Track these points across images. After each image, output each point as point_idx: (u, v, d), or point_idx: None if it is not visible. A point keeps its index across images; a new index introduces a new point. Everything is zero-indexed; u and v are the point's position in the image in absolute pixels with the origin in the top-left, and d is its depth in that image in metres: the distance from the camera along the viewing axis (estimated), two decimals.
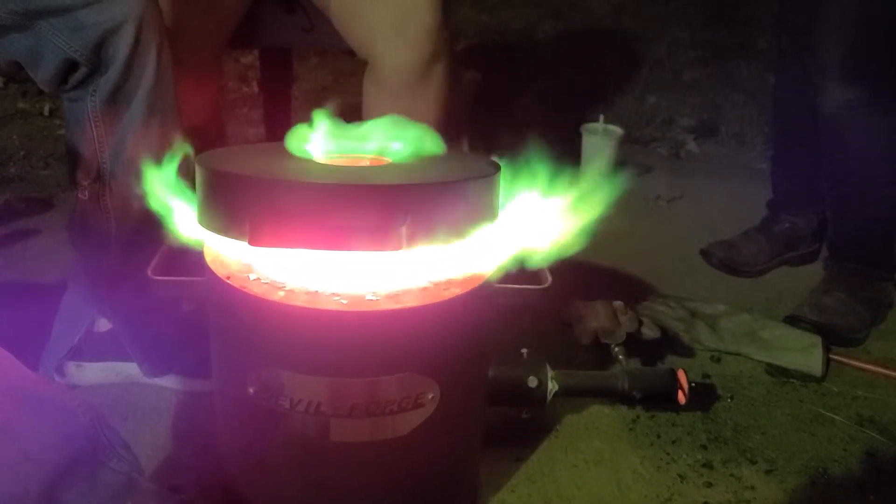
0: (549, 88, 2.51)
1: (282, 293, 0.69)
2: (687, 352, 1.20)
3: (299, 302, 0.68)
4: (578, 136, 1.83)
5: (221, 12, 1.16)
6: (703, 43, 2.91)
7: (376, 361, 0.70)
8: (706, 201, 1.83)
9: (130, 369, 1.06)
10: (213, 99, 1.29)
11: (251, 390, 0.73)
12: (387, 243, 0.61)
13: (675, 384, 0.95)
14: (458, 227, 0.69)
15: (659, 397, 0.96)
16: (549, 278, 0.78)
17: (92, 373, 1.06)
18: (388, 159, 0.78)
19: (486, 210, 0.73)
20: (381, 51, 1.12)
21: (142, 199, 0.78)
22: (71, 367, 1.06)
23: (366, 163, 0.78)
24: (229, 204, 0.69)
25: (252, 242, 0.61)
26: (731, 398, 1.11)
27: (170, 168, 0.78)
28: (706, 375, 1.16)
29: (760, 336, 1.21)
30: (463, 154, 0.82)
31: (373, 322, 0.68)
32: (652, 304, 1.26)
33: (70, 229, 0.99)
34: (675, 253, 1.56)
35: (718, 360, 1.20)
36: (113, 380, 1.07)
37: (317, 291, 0.69)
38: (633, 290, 1.36)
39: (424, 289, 0.71)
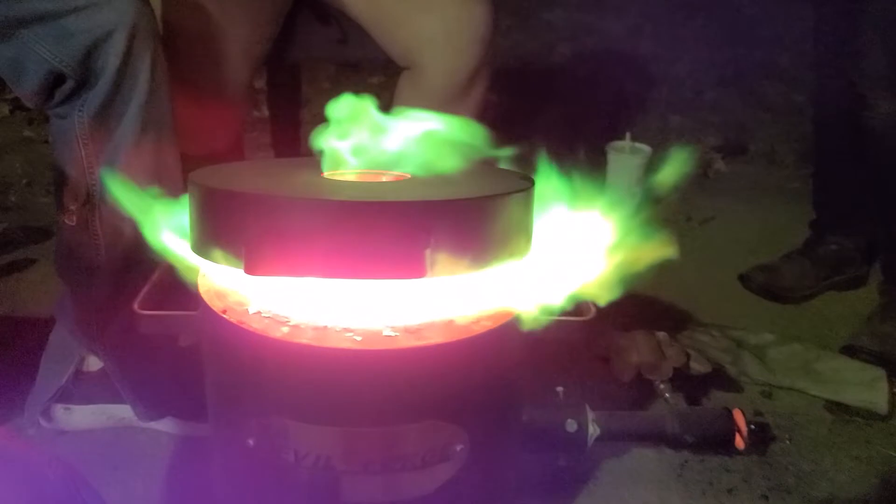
0: (569, 110, 2.42)
1: (285, 329, 0.59)
2: (734, 386, 1.09)
3: (305, 339, 0.58)
4: (602, 157, 1.73)
5: (263, 28, 1.09)
6: (724, 62, 2.83)
7: (396, 408, 0.60)
8: (740, 222, 1.73)
9: (123, 412, 0.96)
10: (240, 123, 1.22)
11: (251, 441, 0.63)
12: (409, 269, 0.51)
13: (732, 426, 0.85)
14: (490, 250, 0.59)
15: (713, 441, 0.85)
16: (593, 309, 0.68)
17: (81, 416, 0.96)
18: (407, 174, 0.68)
19: (520, 230, 0.63)
20: (429, 58, 1.09)
21: (134, 224, 0.69)
22: (58, 411, 0.96)
23: (382, 178, 0.69)
24: (223, 226, 0.59)
25: (248, 271, 0.52)
26: (790, 439, 1.00)
27: (164, 191, 0.69)
28: (758, 413, 1.05)
29: (815, 368, 1.10)
30: (490, 169, 0.72)
31: (391, 362, 0.58)
32: (692, 333, 1.15)
33: (56, 259, 0.91)
34: (712, 277, 1.45)
35: (770, 396, 1.09)
36: (104, 424, 0.97)
37: (326, 327, 0.60)
38: (669, 319, 1.25)
39: (450, 322, 0.61)
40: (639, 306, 1.32)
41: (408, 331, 0.60)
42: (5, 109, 2.32)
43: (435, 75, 1.10)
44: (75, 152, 0.81)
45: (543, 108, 2.40)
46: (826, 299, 1.40)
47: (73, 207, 0.84)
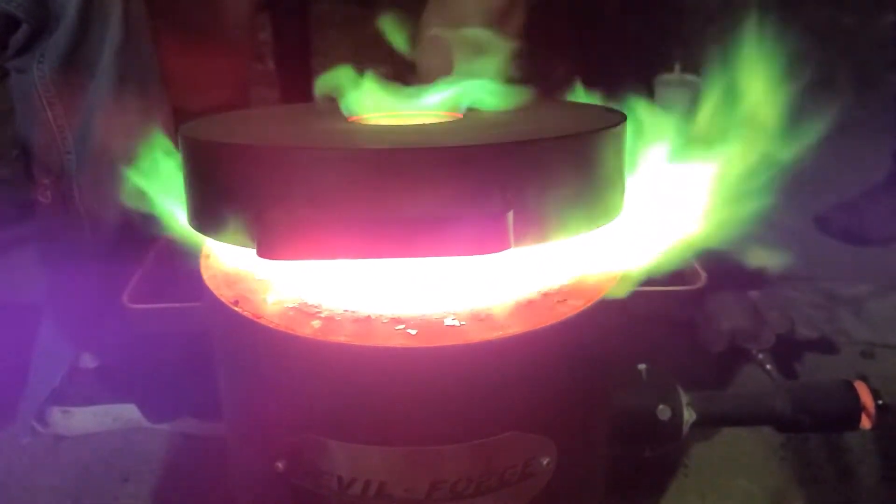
0: (614, 38, 2.22)
1: (316, 323, 0.45)
2: (828, 347, 0.95)
3: (343, 336, 0.44)
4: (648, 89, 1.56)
5: None
6: None
7: (465, 420, 0.46)
8: (810, 154, 1.55)
9: (130, 412, 0.83)
10: (243, 72, 1.07)
11: (280, 465, 0.49)
12: (486, 241, 0.37)
13: (857, 402, 0.70)
14: (588, 206, 0.44)
15: (834, 421, 0.71)
16: (703, 275, 0.53)
17: (82, 419, 0.84)
18: (463, 111, 0.53)
19: (617, 180, 0.48)
20: None
21: (121, 198, 0.55)
22: (55, 414, 0.83)
23: (434, 119, 0.54)
24: (226, 192, 0.45)
25: (263, 254, 0.37)
26: None
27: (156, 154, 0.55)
28: (861, 377, 0.90)
29: None
30: (557, 102, 0.57)
31: (457, 361, 0.44)
32: (775, 289, 1.00)
33: (36, 241, 0.77)
34: (784, 221, 1.29)
35: (872, 356, 0.94)
36: (109, 426, 0.84)
37: (369, 317, 0.45)
38: (743, 272, 1.10)
39: (529, 303, 0.47)
40: (707, 259, 1.17)
41: (476, 318, 0.45)
42: None
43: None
44: (39, 114, 0.66)
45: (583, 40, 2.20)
46: None
47: (46, 181, 0.70)
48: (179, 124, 0.76)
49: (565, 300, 0.47)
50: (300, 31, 1.59)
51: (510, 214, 0.37)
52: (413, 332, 0.44)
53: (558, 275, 0.48)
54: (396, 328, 0.44)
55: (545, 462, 0.49)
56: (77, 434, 0.84)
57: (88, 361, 0.82)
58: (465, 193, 0.39)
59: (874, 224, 1.21)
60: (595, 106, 0.56)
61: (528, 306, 0.46)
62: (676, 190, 0.53)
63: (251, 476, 0.54)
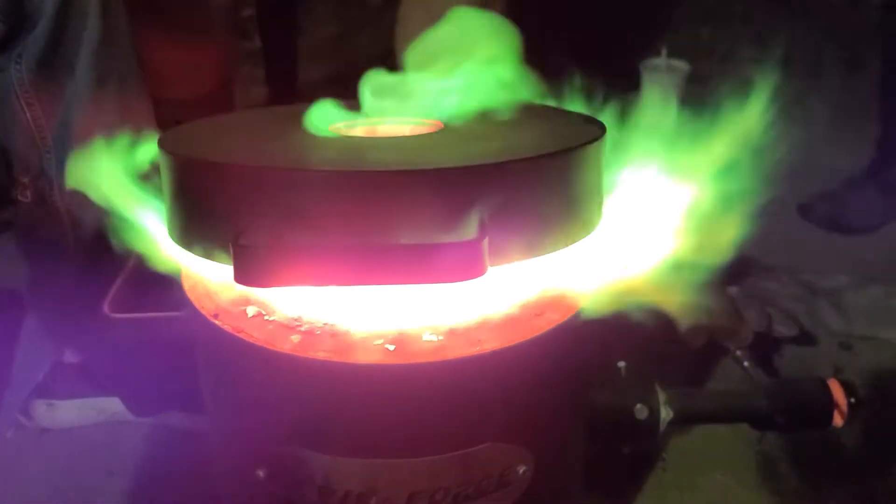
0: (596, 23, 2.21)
1: (295, 338, 0.45)
2: (809, 340, 0.96)
3: (322, 353, 0.44)
4: (630, 78, 1.56)
5: None
6: None
7: (443, 433, 0.46)
8: (791, 144, 1.56)
9: (114, 405, 0.84)
10: (225, 57, 1.06)
11: (261, 473, 0.50)
12: (462, 269, 0.37)
13: (830, 401, 0.71)
14: (566, 223, 0.45)
15: (807, 420, 0.72)
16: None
17: (67, 412, 0.84)
18: (437, 121, 0.53)
19: (594, 194, 0.48)
20: None
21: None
22: (40, 408, 0.84)
23: (415, 127, 0.54)
24: (202, 209, 0.45)
25: (240, 280, 0.38)
26: (881, 400, 0.87)
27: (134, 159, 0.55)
28: (838, 370, 0.92)
29: None
30: (537, 110, 0.57)
31: (436, 378, 0.44)
32: (757, 281, 1.01)
33: (18, 239, 0.77)
34: (766, 209, 1.30)
35: (849, 348, 0.96)
36: (94, 419, 0.85)
37: (348, 332, 0.46)
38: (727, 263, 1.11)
39: (507, 317, 0.47)
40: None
41: (454, 333, 0.46)
42: None
43: None
44: (19, 114, 0.66)
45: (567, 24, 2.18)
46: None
47: (25, 181, 0.70)
48: (163, 114, 0.76)
49: (542, 314, 0.48)
50: (286, 7, 1.57)
51: (485, 242, 0.37)
52: (391, 347, 0.45)
53: (535, 289, 0.49)
54: (375, 343, 0.45)
55: (521, 471, 0.50)
56: (62, 427, 0.84)
57: (72, 356, 0.82)
58: (441, 217, 0.39)
59: (856, 213, 1.22)
60: (576, 115, 0.56)
61: (505, 320, 0.47)
62: (656, 199, 0.54)
63: (234, 480, 0.55)
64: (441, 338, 0.45)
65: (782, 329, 0.83)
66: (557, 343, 0.47)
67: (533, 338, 0.46)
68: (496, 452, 0.48)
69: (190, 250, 0.47)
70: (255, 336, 0.46)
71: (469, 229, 0.39)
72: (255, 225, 0.40)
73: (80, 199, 0.68)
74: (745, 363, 0.76)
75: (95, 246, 0.71)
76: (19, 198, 0.71)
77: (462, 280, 0.37)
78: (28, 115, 0.66)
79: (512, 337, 0.46)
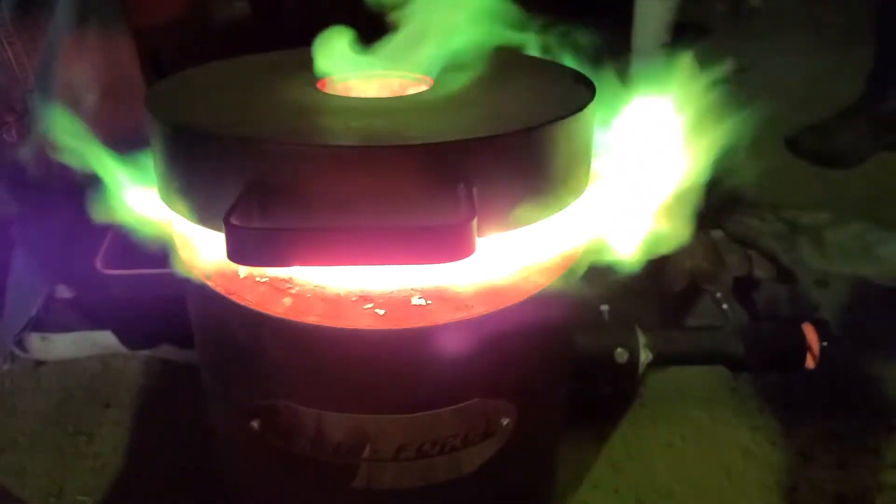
0: None
1: (287, 301, 0.47)
2: (786, 277, 0.98)
3: (313, 317, 0.45)
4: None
5: None
6: None
7: (431, 392, 0.48)
8: (782, 72, 1.55)
9: (109, 339, 0.85)
10: None
11: (255, 424, 0.52)
12: (451, 250, 0.38)
13: (803, 344, 0.74)
14: (555, 191, 0.45)
15: (782, 362, 0.75)
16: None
17: (61, 345, 0.86)
18: (426, 77, 0.53)
19: (582, 160, 0.49)
20: None
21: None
22: (34, 340, 0.85)
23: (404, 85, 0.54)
24: (194, 178, 0.45)
25: (233, 259, 0.38)
26: (853, 339, 0.90)
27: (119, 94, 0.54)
28: (814, 307, 0.95)
29: (878, 253, 0.99)
30: (526, 61, 0.56)
31: (425, 342, 0.46)
32: (741, 217, 1.03)
33: (5, 177, 0.76)
34: (754, 142, 1.30)
35: (826, 285, 0.98)
36: (88, 351, 0.87)
37: (338, 295, 0.47)
38: (710, 199, 1.12)
39: (494, 280, 0.48)
40: None
41: (442, 297, 0.47)
42: None
43: None
44: (1, 53, 0.64)
45: None
46: (881, 164, 1.26)
47: (10, 120, 0.69)
48: (143, 42, 0.74)
49: (528, 277, 0.49)
50: None
51: (474, 223, 0.38)
52: (381, 311, 0.46)
53: (521, 253, 0.50)
54: (365, 307, 0.46)
55: (504, 423, 0.52)
56: (56, 359, 0.86)
57: (65, 292, 0.83)
58: (429, 192, 0.40)
59: (843, 147, 1.22)
60: (566, 70, 0.55)
61: (492, 284, 0.48)
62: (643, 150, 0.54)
63: (227, 428, 0.57)
64: (429, 301, 0.46)
65: (761, 274, 0.85)
66: (543, 306, 0.49)
67: (519, 302, 0.47)
68: (482, 407, 0.50)
69: (181, 214, 0.47)
70: (247, 298, 0.47)
71: (457, 206, 0.39)
72: (244, 200, 0.40)
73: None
74: (725, 305, 0.79)
75: (83, 182, 0.70)
76: (4, 136, 0.70)
77: (450, 261, 0.38)
78: (10, 53, 0.65)
79: (498, 301, 0.47)
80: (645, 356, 0.72)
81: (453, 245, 0.37)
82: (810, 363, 0.75)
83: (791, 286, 0.97)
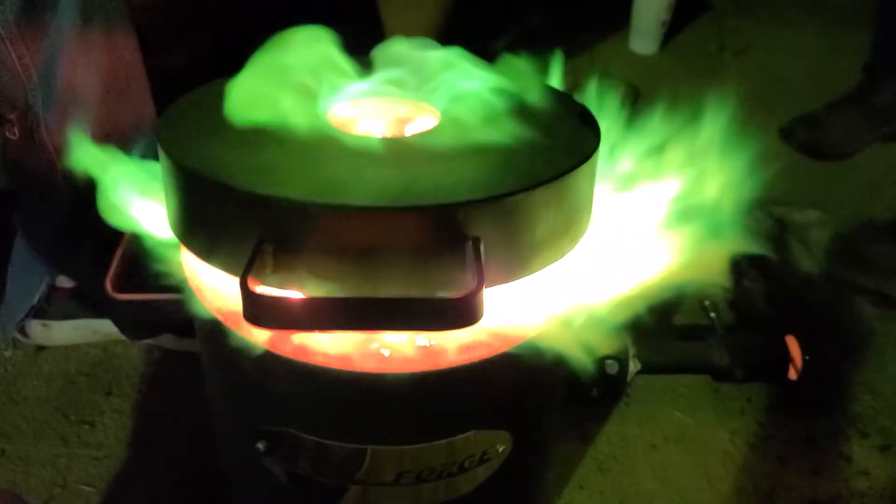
0: None
1: (295, 340, 0.48)
2: (773, 279, 1.00)
3: (318, 358, 0.47)
4: None
5: None
6: None
7: (432, 427, 0.51)
8: (781, 55, 1.54)
9: (109, 326, 0.87)
10: None
11: (260, 445, 0.54)
12: (458, 319, 0.39)
13: (786, 357, 0.77)
14: (559, 239, 0.47)
15: (764, 374, 0.78)
16: None
17: (62, 332, 0.87)
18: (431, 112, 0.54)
19: (585, 206, 0.50)
20: None
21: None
22: (36, 327, 0.87)
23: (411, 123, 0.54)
24: (210, 225, 0.46)
25: (249, 321, 0.40)
26: (834, 342, 0.93)
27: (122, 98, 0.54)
28: (799, 311, 0.97)
29: (865, 255, 1.01)
30: (533, 94, 0.56)
31: (430, 383, 0.48)
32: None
33: (7, 173, 0.76)
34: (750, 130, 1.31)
35: (813, 287, 1.00)
36: (89, 339, 0.88)
37: (345, 335, 0.48)
38: None
39: (495, 325, 0.50)
40: None
41: (444, 338, 0.48)
42: None
43: None
44: (3, 51, 0.64)
45: None
46: (873, 155, 1.27)
47: (12, 117, 0.68)
48: (148, 43, 0.73)
49: (529, 321, 0.50)
50: None
51: (482, 294, 0.39)
52: (386, 352, 0.47)
53: (525, 299, 0.51)
54: (371, 347, 0.48)
55: (500, 449, 0.54)
56: (58, 345, 0.87)
57: (66, 281, 0.84)
58: (438, 251, 0.41)
59: (836, 138, 1.23)
60: (570, 107, 0.56)
61: (495, 330, 0.50)
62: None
63: (232, 445, 0.59)
64: (433, 342, 0.48)
65: (750, 284, 0.87)
66: (542, 348, 0.50)
67: (519, 346, 0.49)
68: (479, 437, 0.52)
69: (192, 251, 0.48)
70: (255, 337, 0.48)
71: (463, 269, 0.41)
72: (258, 255, 0.41)
73: (67, 136, 0.68)
74: (712, 314, 0.81)
75: (85, 181, 0.71)
76: (7, 134, 0.70)
77: (458, 329, 0.39)
78: (13, 53, 0.64)
79: (501, 344, 0.48)
80: (634, 366, 0.75)
81: (463, 315, 0.39)
82: (793, 375, 0.78)
83: (778, 289, 0.99)
